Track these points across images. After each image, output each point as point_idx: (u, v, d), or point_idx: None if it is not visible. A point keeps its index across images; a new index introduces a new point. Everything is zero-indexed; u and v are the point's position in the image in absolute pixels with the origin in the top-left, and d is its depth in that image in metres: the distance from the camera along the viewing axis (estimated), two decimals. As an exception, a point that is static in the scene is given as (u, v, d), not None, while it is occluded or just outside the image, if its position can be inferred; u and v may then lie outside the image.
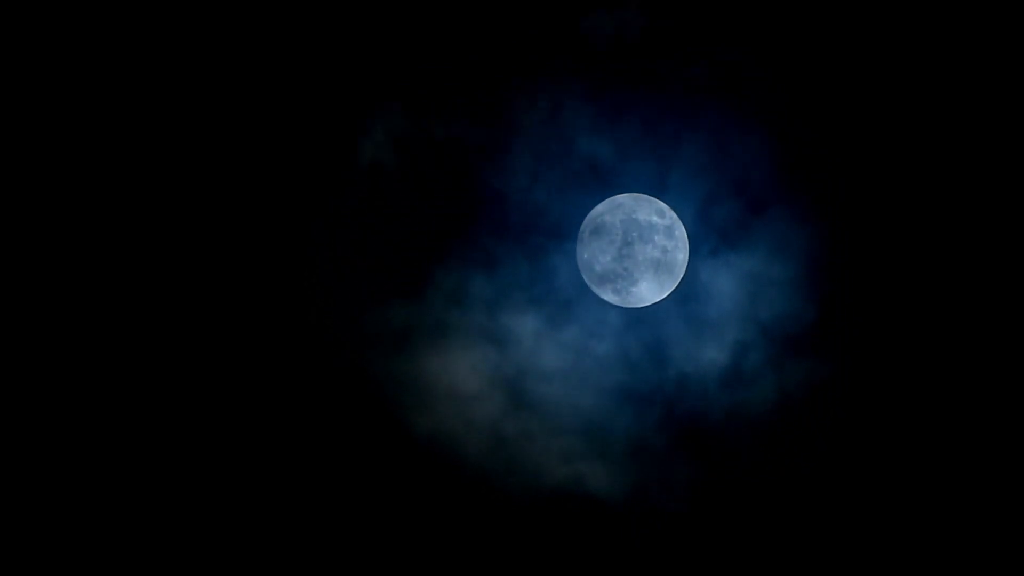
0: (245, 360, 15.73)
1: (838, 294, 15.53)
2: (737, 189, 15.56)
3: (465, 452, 15.73)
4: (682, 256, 15.46)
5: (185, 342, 15.53)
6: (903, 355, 15.45)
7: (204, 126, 15.31)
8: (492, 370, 15.72)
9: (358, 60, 15.47)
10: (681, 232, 15.42)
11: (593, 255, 15.37)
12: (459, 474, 15.67)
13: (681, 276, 15.53)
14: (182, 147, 15.39)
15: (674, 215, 15.37)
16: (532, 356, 15.79)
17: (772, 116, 15.43)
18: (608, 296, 15.54)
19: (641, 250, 15.27)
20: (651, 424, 15.70)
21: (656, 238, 15.28)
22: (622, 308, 15.68)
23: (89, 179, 15.32)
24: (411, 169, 15.66)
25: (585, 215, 15.61)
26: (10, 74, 14.88)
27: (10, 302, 15.36)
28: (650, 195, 15.39)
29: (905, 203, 15.36)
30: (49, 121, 15.16)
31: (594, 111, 15.44)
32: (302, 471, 15.78)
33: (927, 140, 15.29)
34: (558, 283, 15.78)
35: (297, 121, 15.59)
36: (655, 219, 15.34)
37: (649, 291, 15.45)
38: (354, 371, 15.78)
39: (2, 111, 14.98)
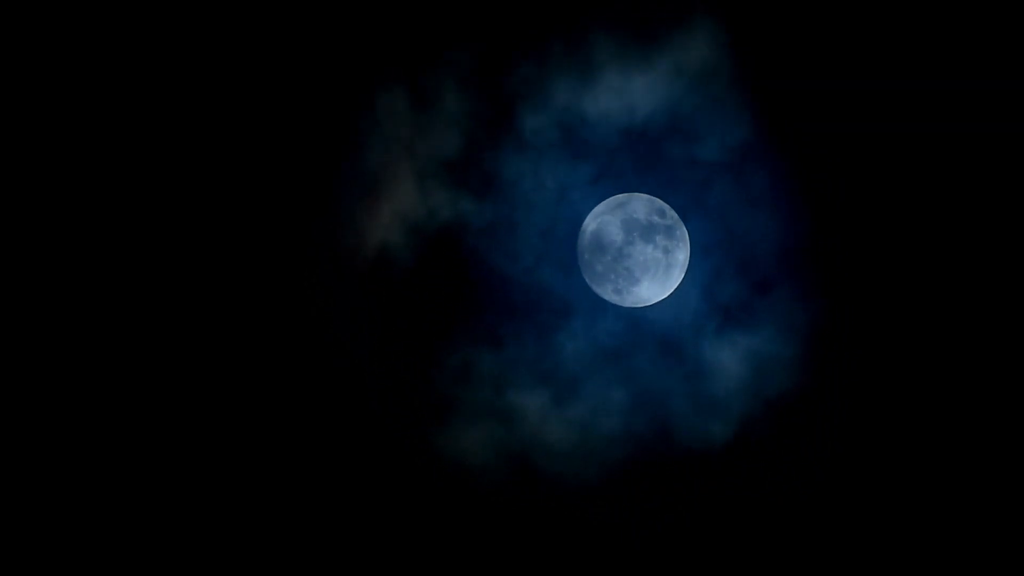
0: (255, 437, 15.51)
1: (841, 372, 15.10)
2: (743, 269, 15.45)
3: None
4: (683, 256, 15.42)
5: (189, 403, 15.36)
6: (906, 434, 15.02)
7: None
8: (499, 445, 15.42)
9: (365, 143, 15.50)
10: (682, 232, 15.45)
11: (594, 254, 15.31)
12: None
13: (682, 276, 15.47)
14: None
15: (675, 215, 15.44)
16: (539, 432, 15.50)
17: (777, 199, 15.41)
18: (609, 296, 15.47)
19: (642, 250, 15.19)
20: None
21: (657, 238, 15.26)
22: (623, 308, 15.61)
23: (88, 180, 15.44)
24: (417, 251, 15.70)
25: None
26: (9, 74, 14.79)
27: (9, 302, 15.15)
28: (651, 195, 15.46)
29: (909, 287, 15.34)
30: (48, 120, 15.31)
31: (602, 194, 15.62)
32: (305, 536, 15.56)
33: (930, 231, 15.37)
34: (565, 357, 15.50)
35: (303, 205, 15.63)
36: (656, 219, 15.32)
37: (650, 291, 15.34)
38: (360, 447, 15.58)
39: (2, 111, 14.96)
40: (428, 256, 15.67)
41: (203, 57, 15.36)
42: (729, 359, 15.49)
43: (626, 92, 15.41)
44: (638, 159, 15.48)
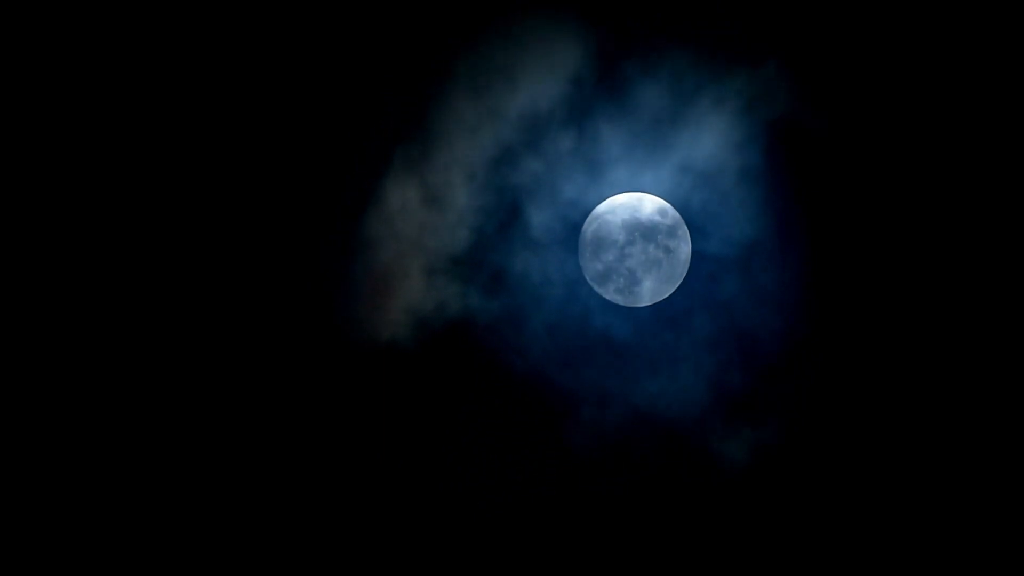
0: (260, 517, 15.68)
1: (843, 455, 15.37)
2: (746, 360, 15.47)
3: None
4: (684, 256, 15.33)
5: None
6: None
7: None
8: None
9: (375, 238, 15.48)
10: (684, 232, 15.33)
11: (595, 254, 15.23)
12: None
13: (684, 275, 15.40)
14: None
15: (676, 214, 15.32)
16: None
17: (783, 287, 15.45)
18: (611, 295, 15.32)
19: (644, 249, 15.13)
20: None
21: (659, 237, 15.17)
22: (625, 308, 15.48)
23: (99, 186, 15.37)
24: (424, 345, 15.62)
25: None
26: (18, 75, 14.90)
27: (15, 304, 15.18)
28: (653, 194, 15.38)
29: (907, 372, 15.25)
30: (44, 127, 15.28)
31: (609, 291, 15.58)
32: None
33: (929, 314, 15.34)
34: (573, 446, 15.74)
35: (314, 298, 15.61)
36: (658, 218, 15.25)
37: (652, 290, 15.29)
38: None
39: (15, 113, 15.02)
40: (435, 350, 15.76)
41: (218, 159, 15.39)
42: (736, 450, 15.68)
43: (633, 187, 15.49)
44: (644, 251, 15.53)
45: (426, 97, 15.39)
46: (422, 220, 15.57)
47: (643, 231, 15.20)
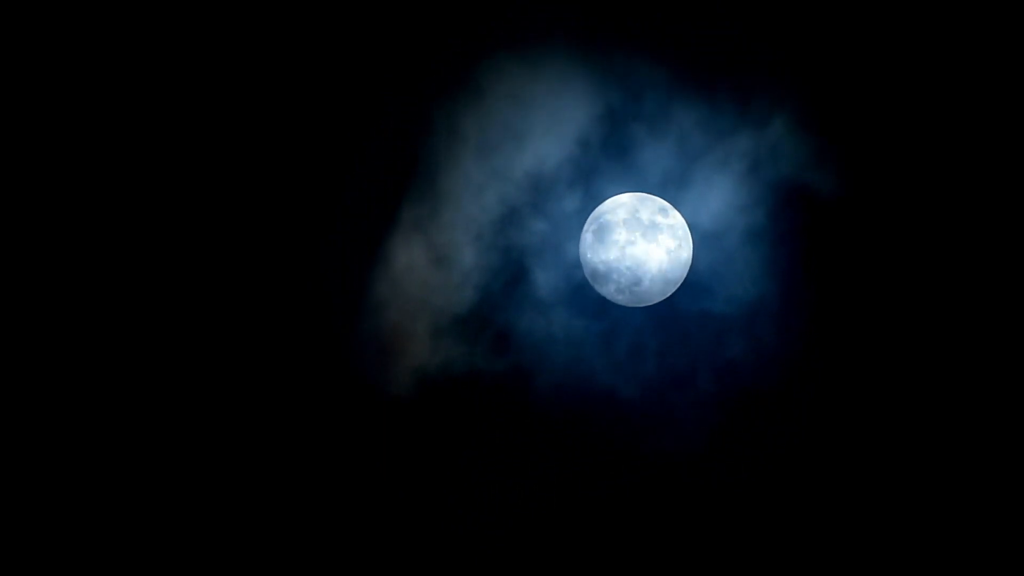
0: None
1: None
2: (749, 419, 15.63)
3: None
4: (685, 255, 15.34)
5: None
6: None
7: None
8: None
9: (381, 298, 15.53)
10: (684, 231, 15.33)
11: (596, 254, 15.19)
12: None
13: (685, 274, 15.39)
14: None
15: (678, 214, 15.32)
16: None
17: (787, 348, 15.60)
18: (611, 295, 15.31)
19: (645, 249, 15.10)
20: None
21: (660, 237, 15.15)
22: (626, 308, 15.48)
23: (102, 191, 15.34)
24: (429, 404, 15.65)
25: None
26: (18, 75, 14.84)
27: (16, 304, 15.08)
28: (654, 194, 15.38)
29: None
30: (42, 131, 15.25)
31: (615, 357, 15.66)
32: None
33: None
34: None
35: (320, 359, 15.57)
36: (659, 218, 15.24)
37: (653, 290, 15.29)
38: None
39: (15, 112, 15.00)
40: (440, 409, 15.72)
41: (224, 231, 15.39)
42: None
43: (637, 248, 15.54)
44: (650, 312, 15.58)
45: (434, 156, 15.44)
46: (428, 280, 15.57)
47: (644, 231, 15.17)
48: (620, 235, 15.19)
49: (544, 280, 15.66)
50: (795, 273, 15.51)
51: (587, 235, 15.42)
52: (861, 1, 15.22)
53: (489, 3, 15.25)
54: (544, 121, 15.41)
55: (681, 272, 15.38)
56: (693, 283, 15.55)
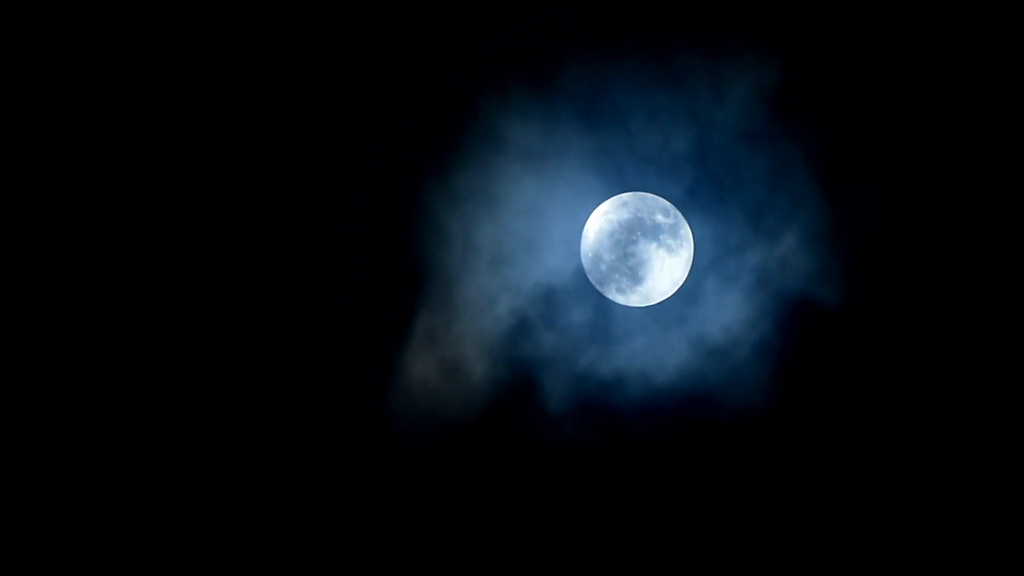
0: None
1: None
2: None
3: None
4: (686, 254, 15.36)
5: None
6: None
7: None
8: None
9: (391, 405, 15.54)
10: (686, 230, 15.35)
11: (598, 253, 15.19)
12: None
13: (686, 274, 15.41)
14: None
15: (679, 214, 15.34)
16: None
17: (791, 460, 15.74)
18: (612, 295, 15.32)
19: (646, 248, 15.11)
20: None
21: (661, 236, 15.16)
22: (627, 307, 15.47)
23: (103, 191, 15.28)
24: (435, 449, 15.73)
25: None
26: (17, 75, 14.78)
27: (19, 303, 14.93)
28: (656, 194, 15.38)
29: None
30: (40, 128, 15.21)
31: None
32: None
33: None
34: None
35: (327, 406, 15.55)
36: (660, 218, 15.24)
37: (654, 289, 15.33)
38: None
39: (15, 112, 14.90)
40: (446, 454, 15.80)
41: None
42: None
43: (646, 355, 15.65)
44: (658, 420, 15.65)
45: (448, 268, 15.53)
46: (440, 391, 15.58)
47: (645, 230, 15.25)
48: (621, 235, 15.28)
49: (553, 392, 15.72)
50: (802, 386, 15.68)
51: (589, 233, 15.50)
52: (865, 119, 15.56)
53: (506, 117, 15.44)
54: (556, 233, 15.57)
55: (682, 273, 15.47)
56: (700, 395, 15.68)
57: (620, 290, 15.25)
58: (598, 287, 15.39)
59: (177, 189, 15.41)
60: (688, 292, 15.63)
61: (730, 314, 15.60)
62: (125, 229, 15.34)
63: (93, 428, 15.16)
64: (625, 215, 15.25)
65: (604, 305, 15.69)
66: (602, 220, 15.34)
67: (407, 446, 15.58)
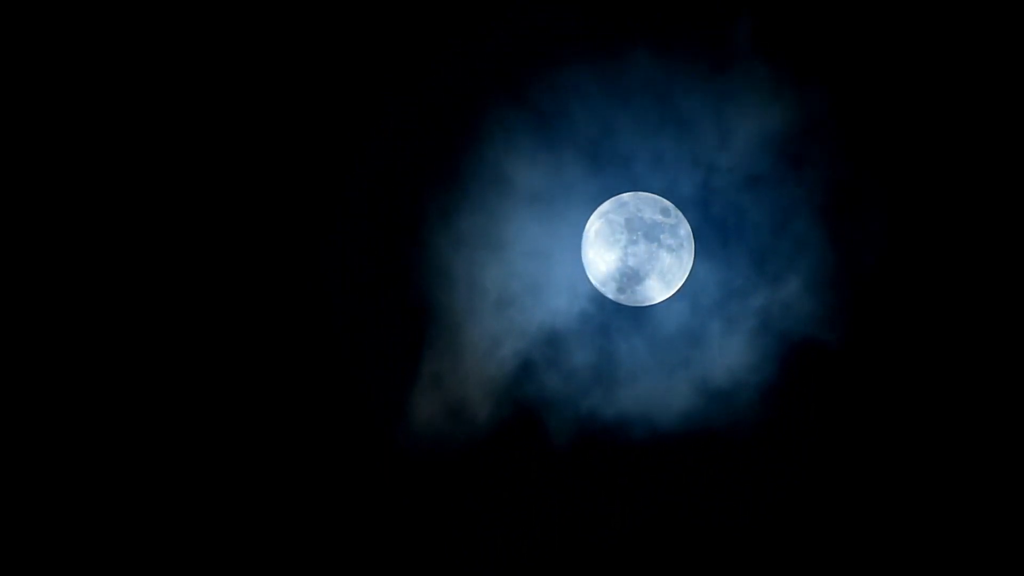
0: None
1: None
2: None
3: None
4: (687, 255, 15.37)
5: None
6: None
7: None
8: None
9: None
10: (686, 231, 15.36)
11: (598, 253, 15.20)
12: None
13: (687, 274, 15.41)
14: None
15: (680, 214, 15.35)
16: None
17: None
18: (613, 295, 15.32)
19: (647, 248, 15.11)
20: None
21: (662, 236, 15.18)
22: (628, 307, 15.51)
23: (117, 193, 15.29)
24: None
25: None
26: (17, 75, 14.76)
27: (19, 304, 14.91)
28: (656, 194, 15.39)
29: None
30: (42, 129, 15.20)
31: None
32: None
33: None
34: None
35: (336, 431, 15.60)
36: (660, 217, 15.27)
37: (655, 289, 15.33)
38: None
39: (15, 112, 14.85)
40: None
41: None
42: None
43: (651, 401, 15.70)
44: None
45: (454, 311, 15.57)
46: (445, 432, 15.61)
47: (646, 230, 15.27)
48: (622, 235, 15.28)
49: (556, 432, 15.76)
50: (806, 427, 15.74)
51: (589, 233, 15.51)
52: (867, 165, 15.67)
53: (512, 160, 15.50)
54: (561, 275, 15.61)
55: (683, 273, 15.47)
56: (703, 436, 15.73)
57: (621, 290, 15.29)
58: (599, 287, 15.43)
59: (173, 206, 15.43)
60: (692, 335, 15.69)
61: (734, 357, 15.66)
62: (124, 233, 15.32)
63: (88, 447, 15.14)
64: (625, 215, 15.27)
65: (608, 347, 15.74)
66: (602, 220, 15.38)
67: (411, 482, 15.60)
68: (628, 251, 15.30)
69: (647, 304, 15.59)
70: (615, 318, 15.67)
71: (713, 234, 15.55)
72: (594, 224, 15.55)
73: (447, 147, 15.57)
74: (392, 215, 15.67)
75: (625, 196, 15.62)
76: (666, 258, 15.36)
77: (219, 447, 15.35)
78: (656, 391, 15.65)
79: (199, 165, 15.40)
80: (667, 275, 15.41)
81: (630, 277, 15.32)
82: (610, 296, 15.51)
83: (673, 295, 15.56)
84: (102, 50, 15.28)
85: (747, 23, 15.36)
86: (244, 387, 15.42)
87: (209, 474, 15.28)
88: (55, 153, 15.20)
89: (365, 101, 15.67)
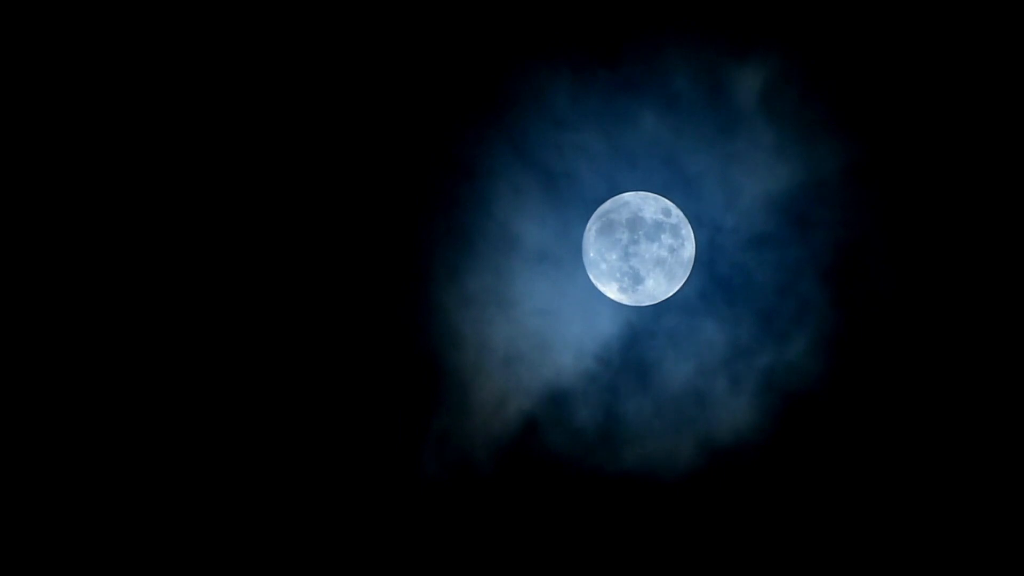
0: None
1: None
2: None
3: None
4: (688, 255, 15.38)
5: None
6: None
7: None
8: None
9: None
10: (688, 230, 15.37)
11: (599, 253, 15.19)
12: None
13: (687, 274, 15.43)
14: None
15: (680, 213, 15.35)
16: None
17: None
18: (614, 294, 15.32)
19: (647, 248, 15.12)
20: None
21: (663, 236, 15.17)
22: (629, 307, 15.52)
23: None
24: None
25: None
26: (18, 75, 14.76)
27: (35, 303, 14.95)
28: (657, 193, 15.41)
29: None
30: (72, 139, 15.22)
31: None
32: None
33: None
34: None
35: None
36: (661, 217, 15.27)
37: (656, 289, 15.32)
38: None
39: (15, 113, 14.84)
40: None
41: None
42: None
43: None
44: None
45: (461, 368, 15.65)
46: (452, 487, 15.68)
47: (647, 230, 15.29)
48: (623, 234, 15.31)
49: (562, 487, 15.80)
50: (809, 486, 15.78)
51: (590, 232, 15.54)
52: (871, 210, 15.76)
53: (519, 220, 15.62)
54: (569, 333, 15.69)
55: (683, 272, 15.49)
56: (707, 493, 15.76)
57: (623, 289, 15.33)
58: (599, 286, 15.47)
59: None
60: (696, 394, 15.77)
61: (739, 416, 15.73)
62: (122, 237, 15.37)
63: (92, 458, 15.19)
64: (626, 215, 15.32)
65: (614, 406, 15.81)
66: (603, 220, 15.45)
67: (419, 535, 15.65)
68: (629, 251, 15.29)
69: (648, 303, 15.62)
70: (619, 380, 15.76)
71: (719, 293, 15.66)
72: (595, 224, 15.53)
73: (456, 206, 15.69)
74: (401, 273, 15.78)
75: (627, 196, 15.57)
76: (667, 257, 15.33)
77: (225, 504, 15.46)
78: (661, 449, 15.73)
79: (207, 223, 15.53)
80: (668, 274, 15.37)
81: (632, 276, 15.31)
82: (611, 295, 15.55)
83: (673, 295, 15.68)
84: (102, 50, 15.31)
85: (753, 84, 15.49)
86: (252, 452, 15.51)
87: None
88: (56, 154, 15.21)
89: (374, 162, 15.77)
